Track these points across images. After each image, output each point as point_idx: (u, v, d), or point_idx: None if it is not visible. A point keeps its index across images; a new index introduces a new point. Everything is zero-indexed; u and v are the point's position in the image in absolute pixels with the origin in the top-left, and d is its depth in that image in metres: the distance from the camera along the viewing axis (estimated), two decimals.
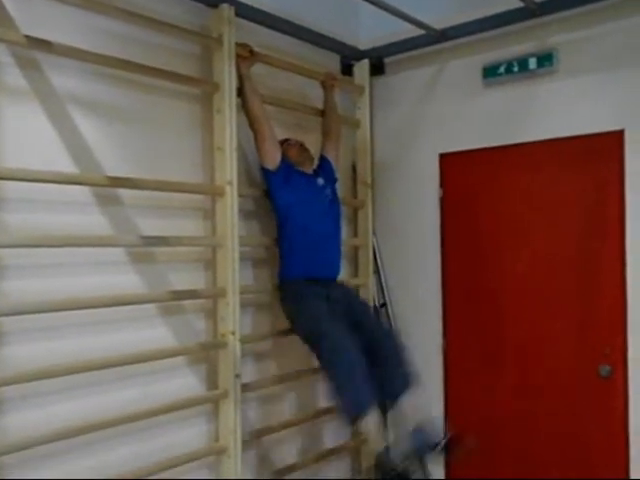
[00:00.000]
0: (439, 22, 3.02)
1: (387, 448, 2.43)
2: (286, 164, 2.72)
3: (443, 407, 3.29)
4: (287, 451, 2.98)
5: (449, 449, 2.48)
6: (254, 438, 2.73)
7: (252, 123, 2.65)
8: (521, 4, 2.73)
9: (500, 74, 3.02)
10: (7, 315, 1.99)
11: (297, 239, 2.67)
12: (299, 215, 2.68)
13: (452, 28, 3.04)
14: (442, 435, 2.52)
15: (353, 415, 2.39)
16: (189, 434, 2.54)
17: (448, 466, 3.27)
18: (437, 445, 2.45)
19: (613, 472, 2.75)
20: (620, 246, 2.72)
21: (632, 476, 2.68)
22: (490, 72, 3.06)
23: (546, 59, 2.89)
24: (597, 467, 2.81)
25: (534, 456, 2.99)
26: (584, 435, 2.84)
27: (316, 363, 3.09)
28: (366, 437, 2.57)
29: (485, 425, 3.14)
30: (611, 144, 2.74)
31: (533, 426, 2.99)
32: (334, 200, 2.90)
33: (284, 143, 2.79)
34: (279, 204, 2.71)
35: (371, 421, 2.38)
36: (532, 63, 2.92)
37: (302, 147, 2.83)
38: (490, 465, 3.13)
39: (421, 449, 2.45)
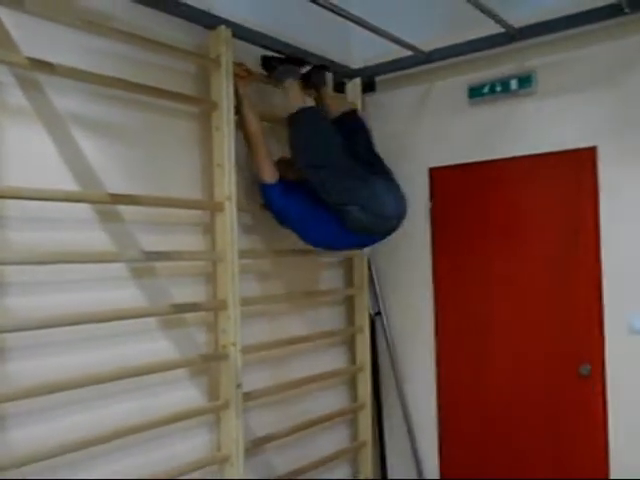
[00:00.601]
0: (426, 44, 3.07)
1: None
2: (283, 180, 2.64)
3: (436, 406, 3.29)
4: (288, 458, 2.93)
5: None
6: (256, 446, 2.62)
7: (249, 140, 2.65)
8: (502, 29, 2.78)
9: (484, 94, 3.08)
10: (10, 331, 1.95)
11: None
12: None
13: (438, 50, 3.09)
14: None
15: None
16: (192, 444, 2.51)
17: (441, 460, 3.27)
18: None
19: (594, 465, 2.80)
20: (596, 253, 2.80)
21: (612, 467, 2.73)
22: (475, 92, 3.12)
23: (526, 80, 2.96)
24: (578, 460, 2.86)
25: (520, 450, 3.04)
26: (566, 430, 2.89)
27: (315, 372, 3.02)
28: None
29: (474, 421, 3.18)
30: (585, 159, 2.82)
31: (519, 422, 3.03)
32: None
33: (283, 163, 2.72)
34: (281, 217, 2.64)
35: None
36: (513, 84, 2.99)
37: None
38: (479, 458, 3.17)
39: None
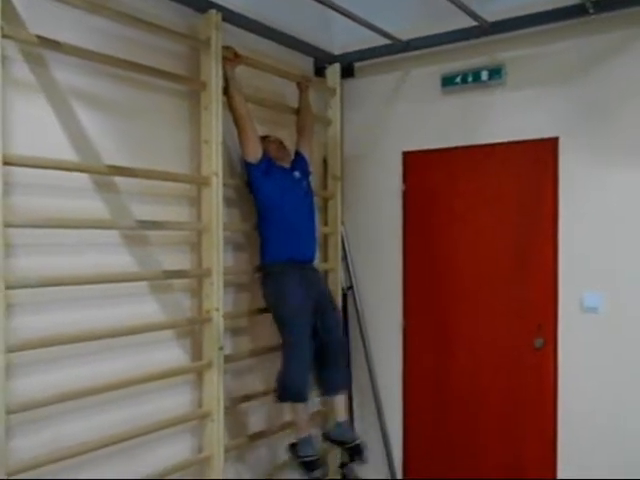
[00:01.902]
0: (404, 34, 3.31)
1: (307, 438, 2.93)
2: (266, 158, 2.94)
3: (401, 375, 3.61)
4: (262, 417, 3.19)
5: (354, 452, 3.01)
6: (234, 405, 2.90)
7: (236, 120, 2.84)
8: (475, 23, 3.00)
9: (456, 83, 3.33)
10: (15, 288, 2.13)
11: (276, 226, 2.90)
12: (278, 205, 2.91)
13: (415, 40, 3.33)
14: (355, 438, 3.05)
15: (292, 398, 2.85)
16: (176, 400, 2.77)
17: (405, 421, 3.60)
18: (348, 443, 3.00)
19: (544, 425, 3.14)
20: (554, 236, 3.09)
21: (559, 424, 3.08)
22: (448, 81, 3.36)
23: (496, 72, 3.21)
24: (532, 420, 3.19)
25: (479, 413, 3.36)
26: (522, 394, 3.22)
27: None
28: (294, 423, 3.02)
29: (437, 391, 3.50)
30: (548, 149, 3.10)
31: (480, 388, 3.35)
32: (309, 192, 3.13)
33: (265, 139, 2.97)
34: (260, 194, 2.92)
35: (302, 409, 2.89)
36: (484, 75, 3.23)
37: (281, 144, 3.04)
38: (440, 420, 3.49)
39: (337, 440, 3.02)
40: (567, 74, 3.03)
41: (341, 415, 3.05)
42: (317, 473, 2.91)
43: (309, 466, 2.89)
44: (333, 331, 3.04)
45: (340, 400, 3.05)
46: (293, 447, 2.96)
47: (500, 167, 3.26)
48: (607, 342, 2.93)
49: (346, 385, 3.08)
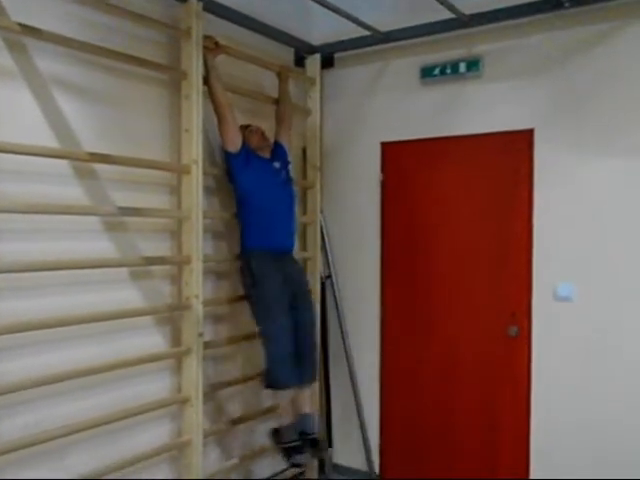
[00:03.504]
0: (383, 25, 3.43)
1: (290, 425, 3.08)
2: (246, 148, 3.04)
3: (379, 363, 3.76)
4: (241, 403, 3.35)
5: (311, 444, 3.12)
6: (214, 390, 3.02)
7: (216, 109, 2.95)
8: (454, 15, 3.12)
9: (435, 75, 3.47)
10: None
11: (256, 215, 3.03)
12: (257, 194, 3.03)
13: (394, 31, 3.46)
14: (314, 431, 3.18)
15: (273, 386, 3.00)
16: (156, 386, 2.90)
17: (382, 406, 3.75)
18: (307, 434, 3.12)
19: (518, 413, 3.30)
20: (528, 227, 3.25)
21: (532, 409, 3.24)
22: (427, 72, 3.50)
23: (473, 64, 3.35)
24: (505, 409, 3.36)
25: (454, 400, 3.52)
26: (496, 384, 3.38)
27: None
28: (278, 409, 3.19)
29: (413, 378, 3.66)
30: (524, 140, 3.24)
31: (455, 375, 3.51)
32: (288, 181, 3.25)
33: (246, 129, 3.06)
34: (239, 184, 3.04)
35: (285, 396, 3.03)
36: (462, 67, 3.38)
37: (263, 135, 3.16)
38: (416, 406, 3.65)
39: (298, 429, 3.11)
40: (543, 67, 3.16)
41: (306, 408, 3.17)
42: (299, 458, 3.05)
43: (292, 451, 3.03)
44: (307, 329, 3.17)
45: (306, 393, 3.18)
46: (276, 433, 3.10)
47: (476, 158, 3.40)
48: (580, 331, 3.08)
49: (312, 380, 3.22)
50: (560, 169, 3.12)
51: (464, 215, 3.44)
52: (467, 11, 3.14)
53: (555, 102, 3.14)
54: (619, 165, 2.97)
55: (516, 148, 3.26)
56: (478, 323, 3.41)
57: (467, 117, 3.39)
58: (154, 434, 2.86)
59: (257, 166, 3.06)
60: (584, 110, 3.06)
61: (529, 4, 3.06)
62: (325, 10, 3.06)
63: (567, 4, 2.96)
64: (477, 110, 3.36)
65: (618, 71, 2.97)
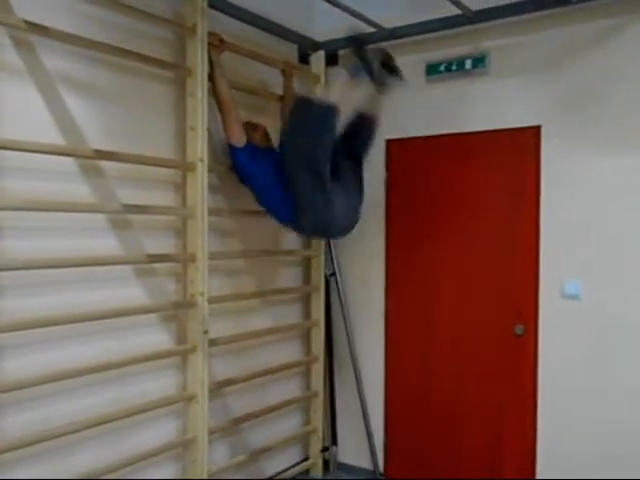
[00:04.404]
0: (388, 22, 3.45)
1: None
2: (250, 144, 3.03)
3: (384, 360, 3.79)
4: (247, 400, 3.38)
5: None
6: (219, 388, 3.06)
7: (220, 105, 2.99)
8: (460, 11, 3.15)
9: (441, 72, 3.50)
10: (2, 270, 2.27)
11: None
12: (267, 185, 3.03)
13: (399, 28, 3.48)
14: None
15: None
16: (161, 383, 2.93)
17: (387, 408, 3.76)
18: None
19: (524, 411, 3.32)
20: (535, 224, 3.27)
21: (539, 408, 3.25)
22: (432, 69, 3.53)
23: (479, 61, 3.37)
24: (511, 408, 3.38)
25: (460, 398, 3.54)
26: (502, 383, 3.40)
27: (273, 325, 3.44)
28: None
29: (418, 375, 3.68)
30: (530, 137, 3.26)
31: (460, 374, 3.53)
32: None
33: (249, 126, 3.08)
34: (247, 178, 3.05)
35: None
36: (468, 64, 3.40)
37: (266, 133, 3.15)
38: (422, 407, 3.67)
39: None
40: (550, 63, 3.18)
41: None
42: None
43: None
44: None
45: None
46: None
47: (483, 155, 3.42)
48: (587, 329, 3.09)
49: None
50: (567, 166, 3.14)
51: (470, 212, 3.46)
52: (473, 7, 3.16)
53: (562, 98, 3.16)
54: (627, 162, 2.99)
55: (523, 145, 3.28)
56: (484, 322, 3.43)
57: (473, 114, 3.41)
58: (159, 431, 2.90)
59: (264, 158, 3.06)
60: (591, 106, 3.08)
61: (535, 0, 3.07)
62: (329, 7, 3.09)
63: (574, 0, 2.97)
64: (483, 107, 3.38)
65: (627, 67, 2.99)
